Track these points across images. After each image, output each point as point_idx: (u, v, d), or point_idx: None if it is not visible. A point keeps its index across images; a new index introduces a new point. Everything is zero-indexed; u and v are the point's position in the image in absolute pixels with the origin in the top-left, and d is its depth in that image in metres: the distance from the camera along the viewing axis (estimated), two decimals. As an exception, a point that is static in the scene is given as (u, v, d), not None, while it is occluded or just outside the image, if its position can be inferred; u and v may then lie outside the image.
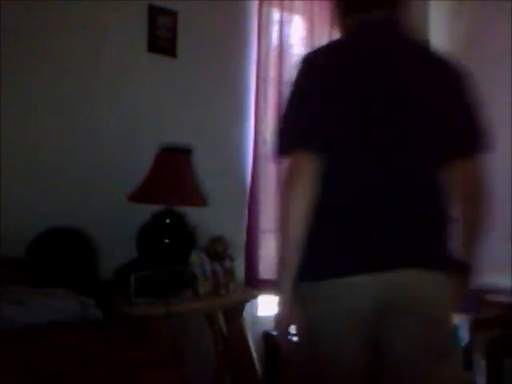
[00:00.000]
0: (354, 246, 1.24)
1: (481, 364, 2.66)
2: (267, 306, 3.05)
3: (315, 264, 1.26)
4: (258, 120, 2.93)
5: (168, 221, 2.32)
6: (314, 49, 1.44)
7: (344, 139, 1.25)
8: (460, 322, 2.71)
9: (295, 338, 1.34)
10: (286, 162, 1.27)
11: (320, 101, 1.26)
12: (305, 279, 1.26)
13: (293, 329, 1.32)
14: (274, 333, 1.40)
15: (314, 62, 1.33)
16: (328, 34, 3.22)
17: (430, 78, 1.31)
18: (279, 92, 3.01)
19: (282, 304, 1.28)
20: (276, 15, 3.02)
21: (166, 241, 2.28)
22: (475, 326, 2.74)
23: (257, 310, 2.98)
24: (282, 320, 1.29)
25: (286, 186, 1.25)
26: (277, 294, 1.29)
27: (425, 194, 1.29)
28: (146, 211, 2.30)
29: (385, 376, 1.29)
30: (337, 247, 1.25)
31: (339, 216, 1.25)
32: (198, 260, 2.34)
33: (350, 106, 1.25)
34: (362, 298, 1.22)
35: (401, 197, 1.25)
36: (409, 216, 1.25)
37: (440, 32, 3.79)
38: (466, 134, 1.36)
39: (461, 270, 1.37)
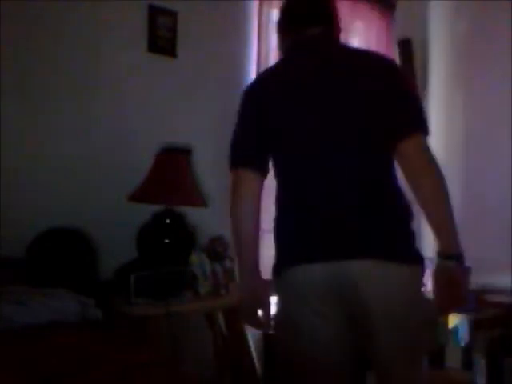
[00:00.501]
0: (306, 239, 1.39)
1: (481, 364, 2.66)
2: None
3: (277, 257, 1.46)
4: (258, 120, 2.92)
5: (168, 221, 2.32)
6: (253, 79, 1.68)
7: (284, 147, 1.45)
8: (460, 322, 2.71)
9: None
10: (232, 174, 1.56)
11: (252, 122, 1.51)
12: (273, 272, 1.46)
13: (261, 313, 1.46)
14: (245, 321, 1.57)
15: (249, 90, 1.55)
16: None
17: (361, 75, 1.40)
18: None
19: (242, 292, 1.48)
20: (276, 16, 3.01)
21: (166, 241, 2.28)
22: (475, 326, 2.74)
23: (257, 310, 2.98)
24: (246, 307, 1.47)
25: (231, 196, 1.57)
26: (239, 286, 1.51)
27: (367, 185, 1.38)
28: (146, 211, 2.30)
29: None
30: (291, 241, 1.42)
31: (292, 215, 1.43)
32: (198, 260, 2.34)
33: (284, 117, 1.44)
34: (312, 281, 1.36)
35: (342, 191, 1.37)
36: (355, 208, 1.36)
37: (440, 32, 3.79)
38: (401, 117, 1.39)
39: (417, 261, 1.41)
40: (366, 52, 1.59)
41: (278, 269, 1.45)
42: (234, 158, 1.56)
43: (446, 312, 1.75)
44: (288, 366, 1.50)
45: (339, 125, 1.40)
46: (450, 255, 1.39)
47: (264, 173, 1.50)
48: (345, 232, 1.35)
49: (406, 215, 1.41)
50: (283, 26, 1.59)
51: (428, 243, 1.73)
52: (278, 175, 1.51)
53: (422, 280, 1.44)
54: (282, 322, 1.47)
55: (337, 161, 1.39)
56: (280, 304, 1.48)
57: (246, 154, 1.52)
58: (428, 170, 1.37)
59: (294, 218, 1.42)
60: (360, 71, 1.42)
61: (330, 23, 1.53)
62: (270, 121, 1.46)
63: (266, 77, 1.58)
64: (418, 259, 1.41)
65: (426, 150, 1.39)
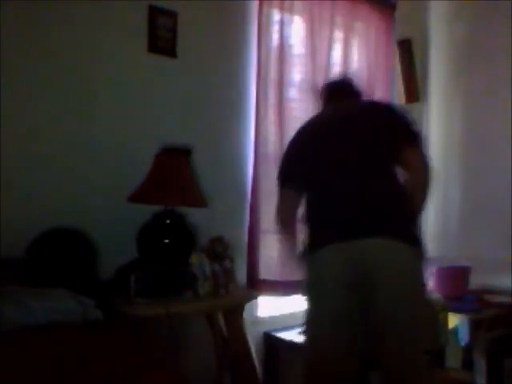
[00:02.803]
0: (333, 228, 1.87)
1: (481, 364, 2.66)
2: (267, 306, 3.06)
3: (310, 242, 1.94)
4: (259, 120, 2.93)
5: (168, 221, 2.32)
6: (302, 124, 2.17)
7: (317, 176, 1.98)
8: (460, 322, 2.71)
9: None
10: (279, 191, 2.09)
11: (296, 155, 2.09)
12: (305, 253, 1.96)
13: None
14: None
15: (297, 131, 2.15)
16: (328, 34, 3.23)
17: (372, 118, 1.98)
18: (279, 92, 3.02)
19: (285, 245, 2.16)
20: (276, 16, 3.02)
21: (166, 241, 2.28)
22: (475, 326, 2.74)
23: (257, 310, 2.99)
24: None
25: (279, 205, 2.08)
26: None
27: (384, 193, 1.86)
28: (146, 211, 2.30)
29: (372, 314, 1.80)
30: (323, 230, 1.92)
31: (321, 222, 1.95)
32: (198, 260, 2.34)
33: (317, 152, 2.00)
34: (337, 257, 1.82)
35: (366, 197, 1.84)
36: (374, 207, 1.83)
37: (440, 32, 3.79)
38: (401, 136, 1.92)
39: (418, 244, 1.83)
40: (375, 102, 2.41)
41: (310, 249, 1.92)
42: (282, 180, 2.10)
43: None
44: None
45: (356, 151, 1.92)
46: None
47: (300, 190, 2.05)
48: (360, 221, 1.81)
49: (409, 212, 1.85)
50: (327, 97, 2.26)
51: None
52: (311, 189, 2.02)
53: (422, 260, 1.83)
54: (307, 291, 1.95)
55: (352, 175, 1.89)
56: (307, 276, 1.94)
57: (290, 178, 2.09)
58: (420, 171, 1.89)
59: (323, 214, 1.93)
60: (368, 113, 2.02)
61: (358, 96, 2.24)
62: (308, 155, 2.03)
63: (309, 123, 2.16)
64: (419, 243, 1.82)
65: (420, 156, 1.89)
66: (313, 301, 1.93)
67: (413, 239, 1.83)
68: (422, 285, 1.89)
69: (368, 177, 1.88)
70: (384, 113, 2.00)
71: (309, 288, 1.95)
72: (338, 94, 2.22)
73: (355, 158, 1.90)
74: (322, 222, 1.94)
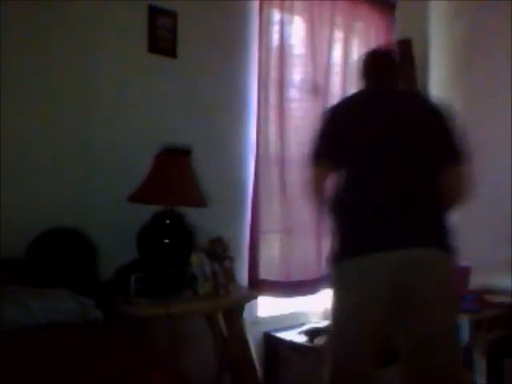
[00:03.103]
0: (373, 234, 1.80)
1: (481, 364, 2.66)
2: (267, 306, 3.06)
3: (343, 249, 1.87)
4: (259, 120, 2.93)
5: (168, 221, 2.32)
6: (337, 102, 2.15)
7: (358, 158, 1.90)
8: (460, 322, 2.71)
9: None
10: (312, 168, 2.00)
11: (335, 134, 1.98)
12: (342, 258, 1.88)
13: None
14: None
15: (333, 109, 2.09)
16: (328, 34, 3.22)
17: (423, 117, 1.93)
18: (280, 92, 3.02)
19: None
20: (276, 16, 3.02)
21: (166, 241, 2.28)
22: (475, 326, 2.74)
23: (257, 310, 2.99)
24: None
25: (312, 181, 1.99)
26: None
27: (422, 195, 1.84)
28: (146, 211, 2.30)
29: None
30: (361, 236, 1.84)
31: (359, 213, 1.85)
32: (198, 261, 2.34)
33: (364, 134, 1.91)
34: (380, 269, 1.78)
35: (404, 198, 1.82)
36: (413, 212, 1.81)
37: (440, 32, 3.79)
38: (448, 152, 1.90)
39: (452, 250, 1.85)
40: (424, 98, 2.26)
41: (341, 257, 1.87)
42: (315, 158, 2.00)
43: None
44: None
45: (398, 145, 1.87)
46: None
47: (331, 170, 1.98)
48: (402, 230, 1.80)
49: (445, 219, 1.88)
50: (367, 72, 2.13)
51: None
52: (346, 176, 1.94)
53: (453, 264, 1.87)
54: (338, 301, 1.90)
55: (396, 174, 1.85)
56: (344, 281, 1.89)
57: (323, 157, 1.99)
58: (459, 192, 1.91)
59: (360, 217, 1.85)
60: (419, 112, 1.96)
61: (395, 69, 2.15)
62: (349, 135, 1.93)
63: (345, 102, 2.13)
64: (452, 250, 1.85)
65: (463, 176, 1.90)
66: (346, 309, 1.88)
67: (449, 247, 1.85)
68: (455, 293, 2.00)
69: (411, 178, 1.85)
70: (435, 119, 1.94)
71: (343, 295, 1.89)
72: (377, 67, 2.12)
73: (399, 158, 1.86)
74: (359, 220, 1.86)
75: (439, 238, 1.83)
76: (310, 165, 1.99)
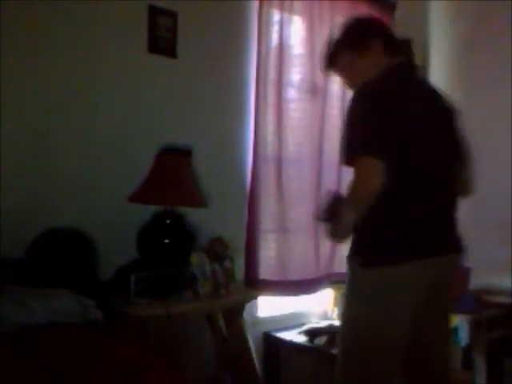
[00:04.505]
0: (416, 240, 1.69)
1: (481, 364, 2.66)
2: (267, 306, 3.06)
3: (389, 253, 1.68)
4: (258, 120, 2.93)
5: (168, 221, 2.32)
6: (372, 82, 1.72)
7: (423, 162, 1.71)
8: (460, 321, 2.71)
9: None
10: (358, 161, 1.60)
11: (384, 123, 1.64)
12: (383, 264, 1.67)
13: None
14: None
15: (387, 91, 1.69)
16: (328, 34, 3.22)
17: (442, 114, 1.85)
18: (279, 92, 3.01)
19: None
20: (276, 16, 3.01)
21: (166, 241, 2.28)
22: (475, 326, 2.74)
23: (257, 310, 2.99)
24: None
25: (363, 173, 1.60)
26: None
27: (452, 202, 1.85)
28: (146, 212, 2.30)
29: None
30: (406, 242, 1.69)
31: (403, 220, 1.69)
32: (198, 260, 2.34)
33: (415, 124, 1.70)
34: (418, 278, 1.69)
35: (441, 206, 1.79)
36: (445, 220, 1.82)
37: (440, 32, 3.79)
38: (460, 153, 1.89)
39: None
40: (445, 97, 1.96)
41: (383, 262, 1.67)
42: (367, 148, 1.63)
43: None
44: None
45: (446, 153, 1.81)
46: None
47: (383, 162, 1.62)
48: (442, 237, 1.78)
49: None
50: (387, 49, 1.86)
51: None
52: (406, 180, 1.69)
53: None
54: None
55: (447, 181, 1.81)
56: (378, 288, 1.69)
57: (376, 147, 1.62)
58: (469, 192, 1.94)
59: (406, 223, 1.69)
60: (445, 114, 1.88)
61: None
62: (403, 124, 1.66)
63: (395, 83, 1.75)
64: (464, 252, 1.88)
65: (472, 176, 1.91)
66: (378, 318, 1.69)
67: (464, 250, 1.88)
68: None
69: (449, 182, 1.83)
70: (450, 115, 1.89)
71: (376, 303, 1.69)
72: (397, 50, 1.87)
73: (445, 159, 1.81)
74: (411, 224, 1.69)
75: (459, 242, 1.87)
76: (361, 157, 1.60)
